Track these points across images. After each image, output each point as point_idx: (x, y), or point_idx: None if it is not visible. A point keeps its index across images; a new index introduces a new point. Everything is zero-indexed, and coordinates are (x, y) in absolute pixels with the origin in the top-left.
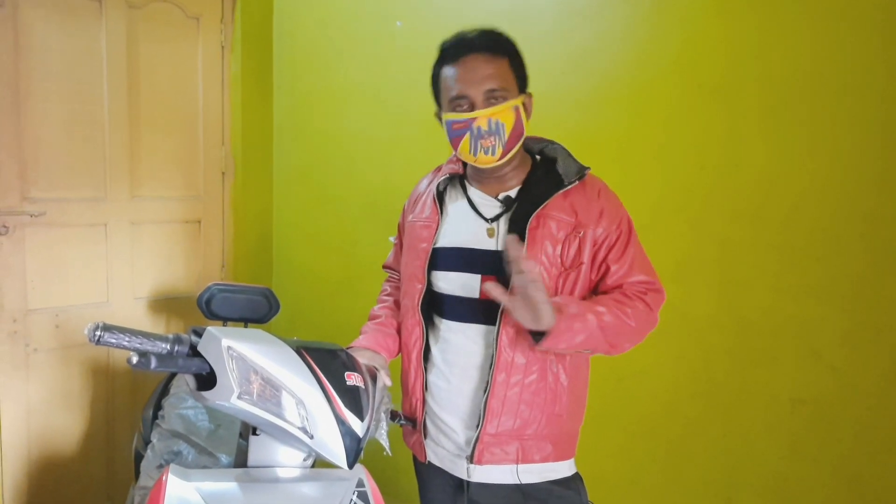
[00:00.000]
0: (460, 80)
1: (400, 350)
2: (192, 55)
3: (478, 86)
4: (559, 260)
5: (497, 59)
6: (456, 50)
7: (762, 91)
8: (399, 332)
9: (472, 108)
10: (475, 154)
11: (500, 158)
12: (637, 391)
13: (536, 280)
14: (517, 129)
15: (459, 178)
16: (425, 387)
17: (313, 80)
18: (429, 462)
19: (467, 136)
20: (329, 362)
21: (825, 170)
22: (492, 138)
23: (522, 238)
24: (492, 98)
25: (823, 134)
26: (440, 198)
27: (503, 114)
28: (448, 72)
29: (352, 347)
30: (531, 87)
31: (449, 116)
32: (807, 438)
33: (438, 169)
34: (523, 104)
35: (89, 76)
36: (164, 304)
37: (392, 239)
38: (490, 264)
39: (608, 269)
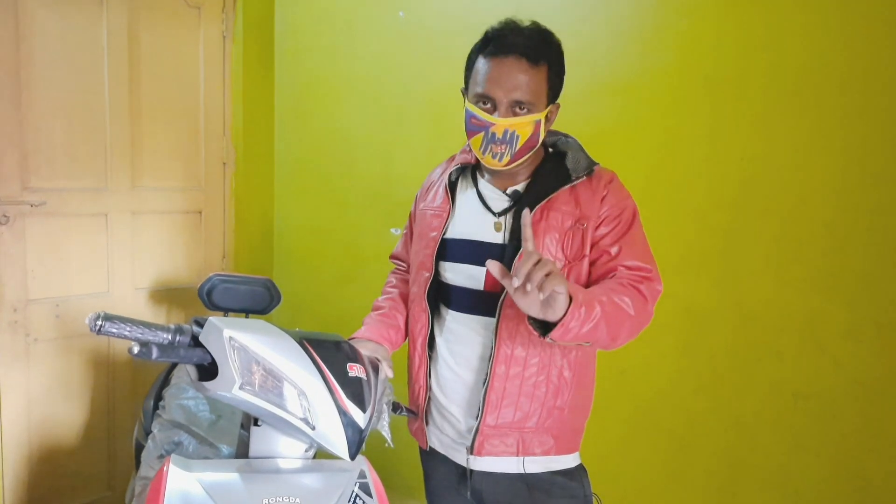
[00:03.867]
0: (491, 80)
1: (404, 339)
2: (194, 44)
3: (507, 92)
4: (562, 253)
5: (534, 69)
6: (497, 46)
7: (768, 84)
8: (402, 323)
9: (494, 110)
10: (484, 154)
11: (507, 165)
12: (640, 384)
13: (554, 271)
14: (531, 141)
15: (472, 168)
16: (429, 374)
17: (315, 69)
18: (431, 449)
19: (481, 134)
20: (331, 353)
21: (831, 163)
22: (503, 146)
23: None
24: (516, 108)
25: (829, 127)
26: (452, 187)
27: (521, 126)
28: (483, 65)
29: (354, 338)
30: None
31: (471, 108)
32: (810, 432)
33: (453, 158)
34: (547, 116)
35: (90, 65)
36: (166, 294)
37: (395, 231)
38: (496, 258)
39: (602, 252)
